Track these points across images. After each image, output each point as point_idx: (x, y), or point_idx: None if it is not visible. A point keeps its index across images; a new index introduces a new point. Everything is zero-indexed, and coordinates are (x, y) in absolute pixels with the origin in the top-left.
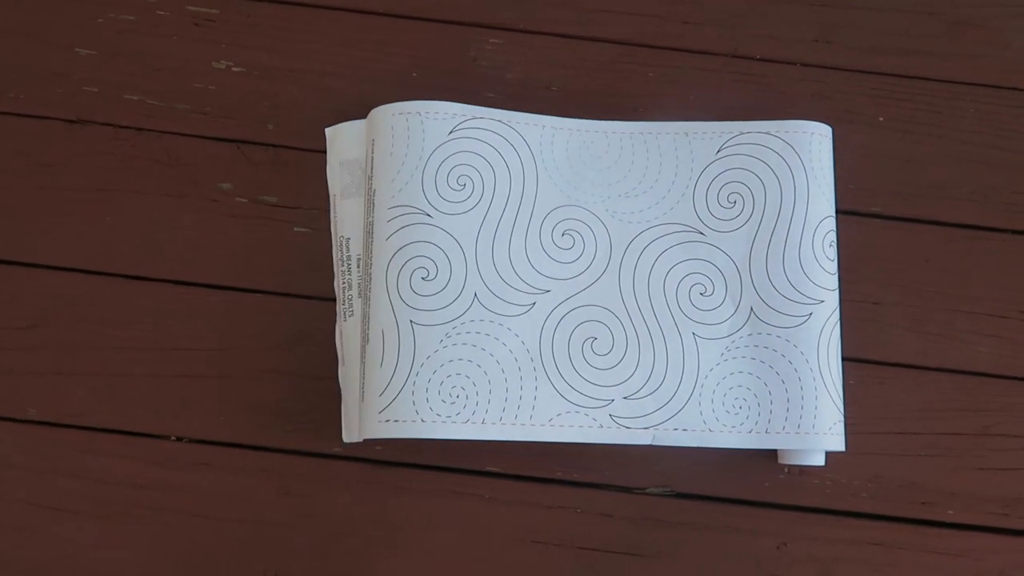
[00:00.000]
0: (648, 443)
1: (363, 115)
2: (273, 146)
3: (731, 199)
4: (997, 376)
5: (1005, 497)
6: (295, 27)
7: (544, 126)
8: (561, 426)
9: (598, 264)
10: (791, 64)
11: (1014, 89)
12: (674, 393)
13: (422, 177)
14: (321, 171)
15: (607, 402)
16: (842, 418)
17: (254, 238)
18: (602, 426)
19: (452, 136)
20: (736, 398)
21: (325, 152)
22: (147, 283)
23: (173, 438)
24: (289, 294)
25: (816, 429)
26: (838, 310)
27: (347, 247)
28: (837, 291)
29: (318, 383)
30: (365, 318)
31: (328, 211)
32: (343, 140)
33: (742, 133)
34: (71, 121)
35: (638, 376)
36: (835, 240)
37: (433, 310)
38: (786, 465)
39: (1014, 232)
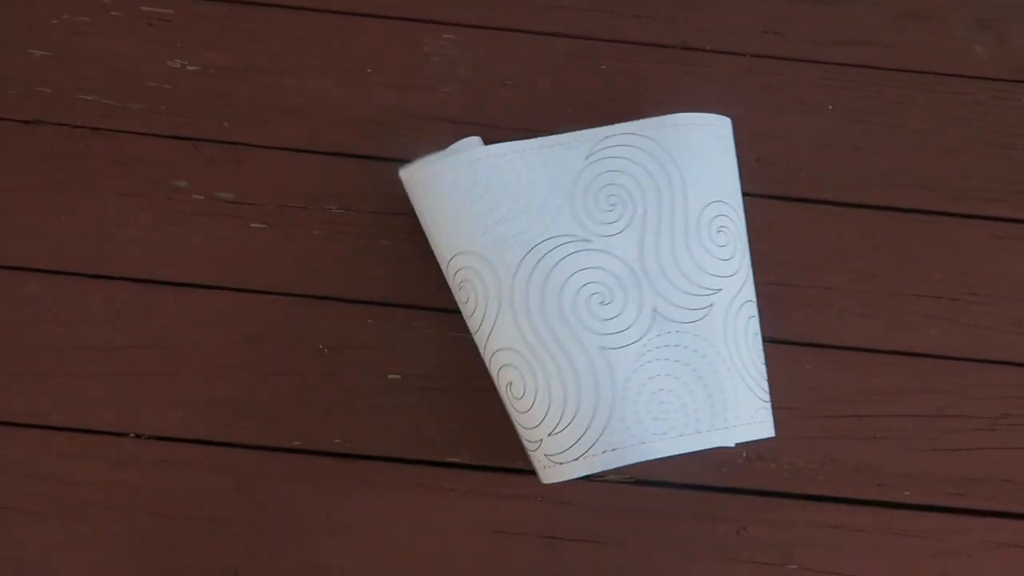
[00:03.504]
0: (585, 473)
1: (319, 111)
2: (229, 143)
3: (610, 202)
4: (949, 358)
5: (960, 477)
6: (249, 26)
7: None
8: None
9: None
10: (741, 55)
11: (960, 76)
12: (591, 420)
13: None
14: (277, 167)
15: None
16: (765, 403)
17: (211, 235)
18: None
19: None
20: (661, 403)
21: (282, 150)
22: (104, 281)
23: (132, 435)
24: (247, 290)
25: (740, 420)
26: (743, 293)
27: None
28: (738, 275)
29: (276, 378)
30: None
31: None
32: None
33: (607, 137)
34: (26, 122)
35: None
36: (725, 225)
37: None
38: (744, 450)
39: (963, 216)
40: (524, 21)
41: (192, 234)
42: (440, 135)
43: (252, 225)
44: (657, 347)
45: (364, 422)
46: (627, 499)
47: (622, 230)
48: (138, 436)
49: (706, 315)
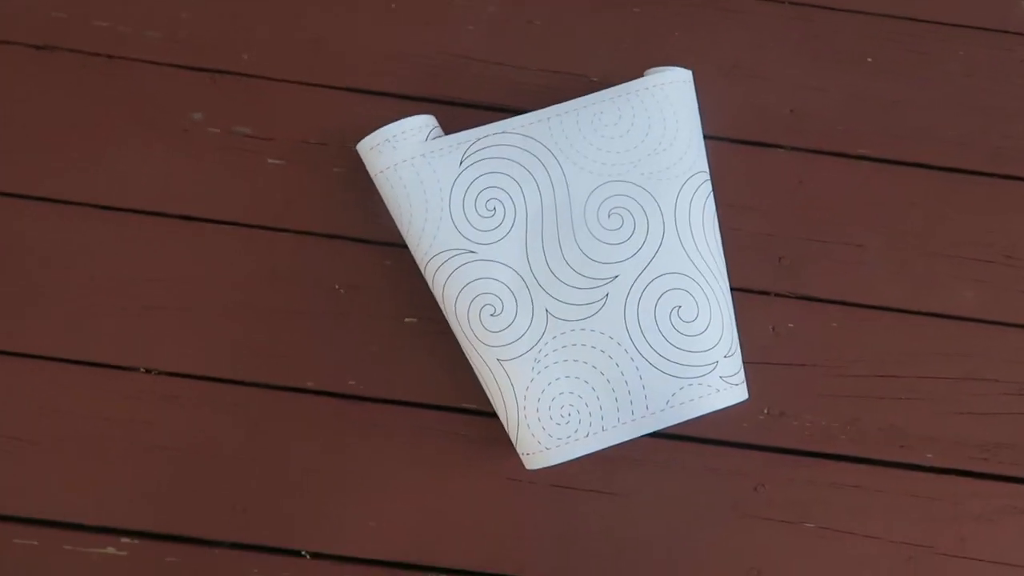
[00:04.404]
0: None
1: (340, 46)
2: (248, 76)
3: (489, 207)
4: (980, 321)
5: (985, 442)
6: None
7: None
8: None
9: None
10: (780, 2)
11: (1004, 32)
12: (507, 423)
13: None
14: (297, 103)
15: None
16: (685, 384)
17: (226, 169)
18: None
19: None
20: (561, 407)
21: (302, 84)
22: (114, 213)
23: (142, 370)
24: (262, 227)
25: (651, 409)
26: (653, 267)
27: None
28: (642, 252)
29: (290, 317)
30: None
31: (303, 144)
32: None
33: (480, 138)
34: (38, 47)
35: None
36: (621, 205)
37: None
38: (765, 406)
39: (1000, 176)
40: None
41: (207, 168)
42: (465, 74)
43: (269, 161)
44: (554, 350)
45: (379, 365)
46: (643, 450)
47: (505, 235)
48: (148, 371)
49: (602, 307)
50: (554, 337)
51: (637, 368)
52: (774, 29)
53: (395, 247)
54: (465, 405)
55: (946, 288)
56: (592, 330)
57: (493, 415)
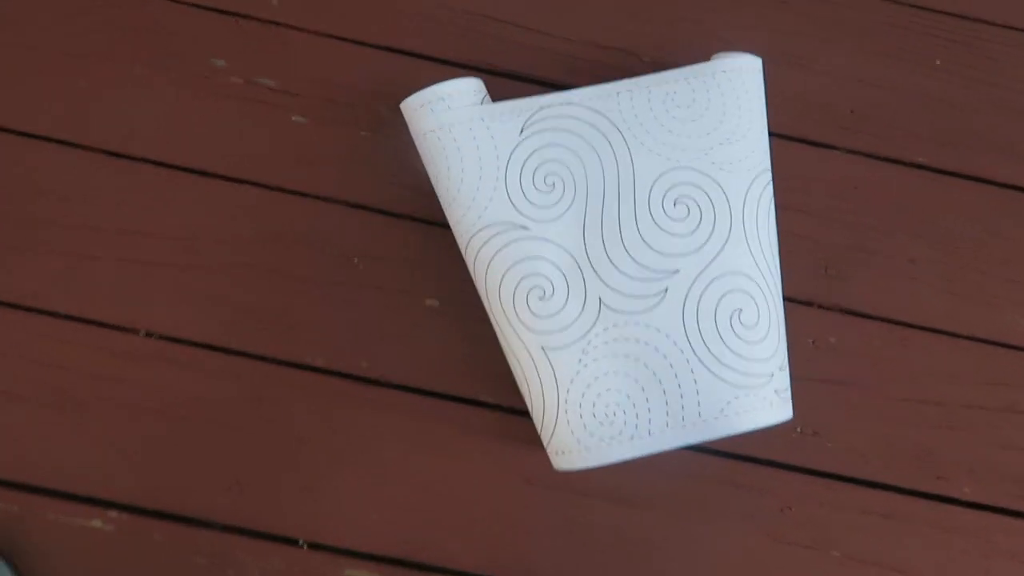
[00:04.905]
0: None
1: (378, 1)
2: (276, 24)
3: (548, 181)
4: None
5: None
6: None
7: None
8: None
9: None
10: None
11: None
12: (542, 418)
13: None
14: (326, 58)
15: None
16: (740, 393)
17: (245, 123)
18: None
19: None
20: (607, 405)
21: (334, 38)
22: (118, 160)
23: (142, 332)
24: (282, 188)
25: (704, 416)
26: (716, 266)
27: None
28: (706, 248)
29: (303, 287)
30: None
31: (335, 103)
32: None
33: (543, 107)
34: None
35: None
36: (687, 194)
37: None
38: (798, 424)
39: None
40: None
41: (225, 119)
42: (507, 41)
43: (293, 118)
44: (604, 343)
45: (393, 347)
46: (667, 462)
47: (562, 213)
48: (148, 335)
49: (660, 301)
50: (605, 328)
51: (692, 371)
52: (838, 20)
53: (421, 223)
54: (483, 398)
55: (998, 313)
56: (647, 325)
57: (511, 411)
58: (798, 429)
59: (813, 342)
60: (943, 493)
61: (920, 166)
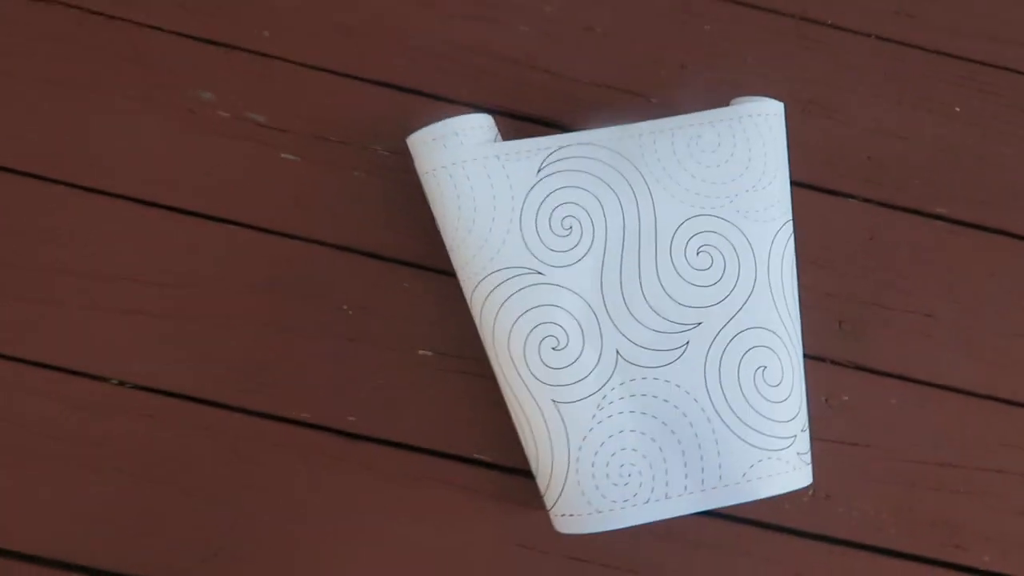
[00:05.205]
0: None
1: (374, 34)
2: (267, 56)
3: (566, 224)
4: None
5: None
6: None
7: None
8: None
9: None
10: (866, 36)
11: None
12: (549, 477)
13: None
14: (319, 93)
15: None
16: (764, 457)
17: (233, 159)
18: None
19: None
20: (622, 465)
21: (327, 72)
22: (97, 196)
23: (115, 381)
24: (268, 230)
25: (724, 480)
26: (739, 320)
27: None
28: (730, 300)
29: (289, 337)
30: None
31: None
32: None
33: (562, 147)
34: None
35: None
36: (709, 243)
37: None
38: (811, 488)
39: None
40: None
41: (211, 155)
42: (513, 80)
43: (283, 155)
44: (620, 398)
45: (383, 401)
46: (671, 526)
47: (580, 258)
48: (121, 383)
49: (681, 355)
50: (622, 383)
51: (714, 431)
52: (857, 65)
53: (415, 268)
54: (477, 456)
55: (1018, 371)
56: (667, 381)
57: (506, 469)
58: (810, 492)
59: (826, 400)
60: (961, 562)
61: (939, 217)
